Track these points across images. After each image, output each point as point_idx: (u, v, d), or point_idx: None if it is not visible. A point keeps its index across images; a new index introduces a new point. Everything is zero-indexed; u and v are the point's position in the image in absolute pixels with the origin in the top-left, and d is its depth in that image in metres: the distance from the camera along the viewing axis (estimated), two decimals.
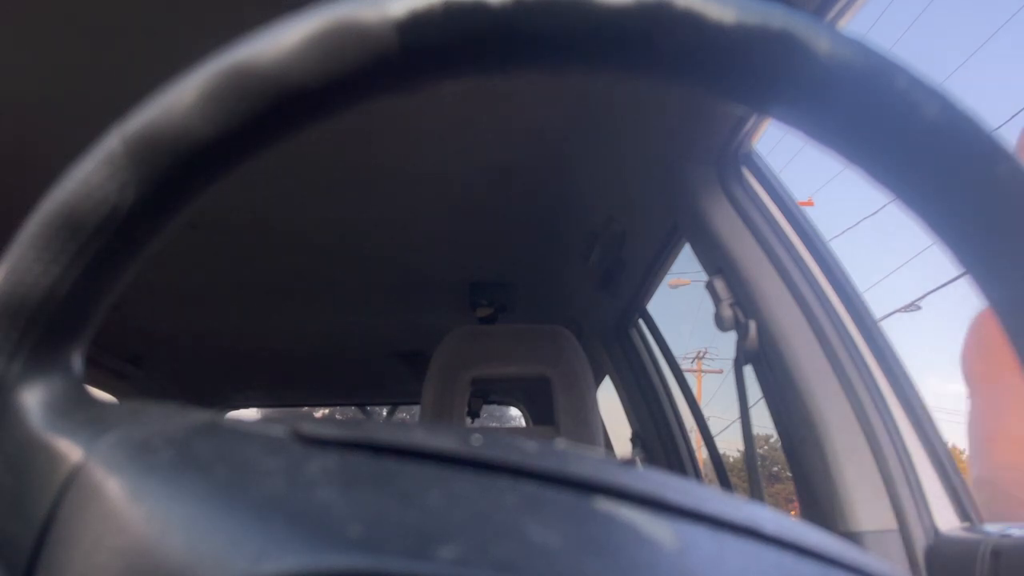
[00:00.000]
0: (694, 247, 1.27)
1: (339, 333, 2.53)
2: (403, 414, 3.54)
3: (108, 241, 0.24)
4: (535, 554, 0.18)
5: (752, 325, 1.08)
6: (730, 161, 1.18)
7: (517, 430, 2.69)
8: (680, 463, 1.92)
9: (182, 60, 0.26)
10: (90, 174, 0.24)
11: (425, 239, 1.86)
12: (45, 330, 0.25)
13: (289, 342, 2.60)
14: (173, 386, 2.86)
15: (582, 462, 0.24)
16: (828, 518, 0.96)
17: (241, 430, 0.23)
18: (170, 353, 2.62)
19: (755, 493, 1.13)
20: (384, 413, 3.61)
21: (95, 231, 0.24)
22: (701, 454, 2.38)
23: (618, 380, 2.06)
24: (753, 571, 0.21)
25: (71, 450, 0.23)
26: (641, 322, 1.95)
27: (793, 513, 0.97)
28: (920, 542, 0.91)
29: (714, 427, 2.05)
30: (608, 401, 2.10)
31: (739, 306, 1.11)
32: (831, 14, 0.89)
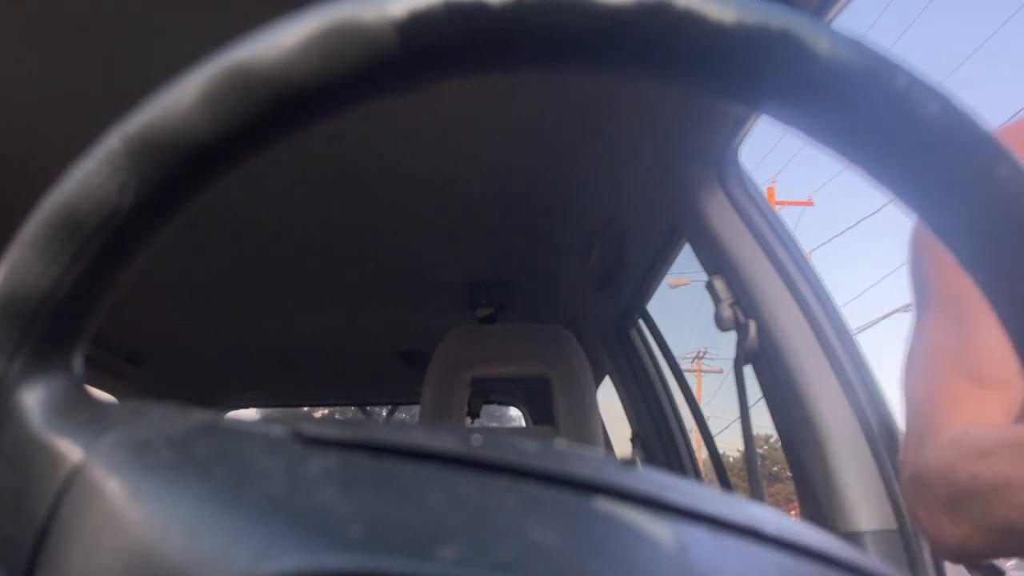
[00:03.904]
0: (694, 247, 1.28)
1: (339, 333, 2.52)
2: (403, 414, 3.54)
3: (108, 241, 0.24)
4: (535, 554, 0.18)
5: (752, 325, 1.08)
6: (730, 161, 1.18)
7: (517, 430, 2.69)
8: (680, 463, 1.93)
9: (182, 60, 0.26)
10: (90, 174, 0.24)
11: (425, 239, 1.86)
12: (45, 330, 0.25)
13: (289, 342, 2.60)
14: (173, 386, 2.86)
15: (582, 462, 0.24)
16: (828, 518, 0.96)
17: (241, 430, 0.23)
18: (170, 353, 2.62)
19: (755, 493, 1.13)
20: (384, 413, 3.61)
21: (95, 231, 0.24)
22: (701, 454, 2.38)
23: (618, 380, 2.06)
24: (753, 571, 0.21)
25: (71, 450, 0.23)
26: (641, 322, 1.95)
27: (793, 513, 0.97)
28: (920, 542, 0.91)
29: (714, 427, 2.05)
30: (608, 401, 2.11)
31: (739, 306, 1.11)
32: (831, 14, 0.89)
